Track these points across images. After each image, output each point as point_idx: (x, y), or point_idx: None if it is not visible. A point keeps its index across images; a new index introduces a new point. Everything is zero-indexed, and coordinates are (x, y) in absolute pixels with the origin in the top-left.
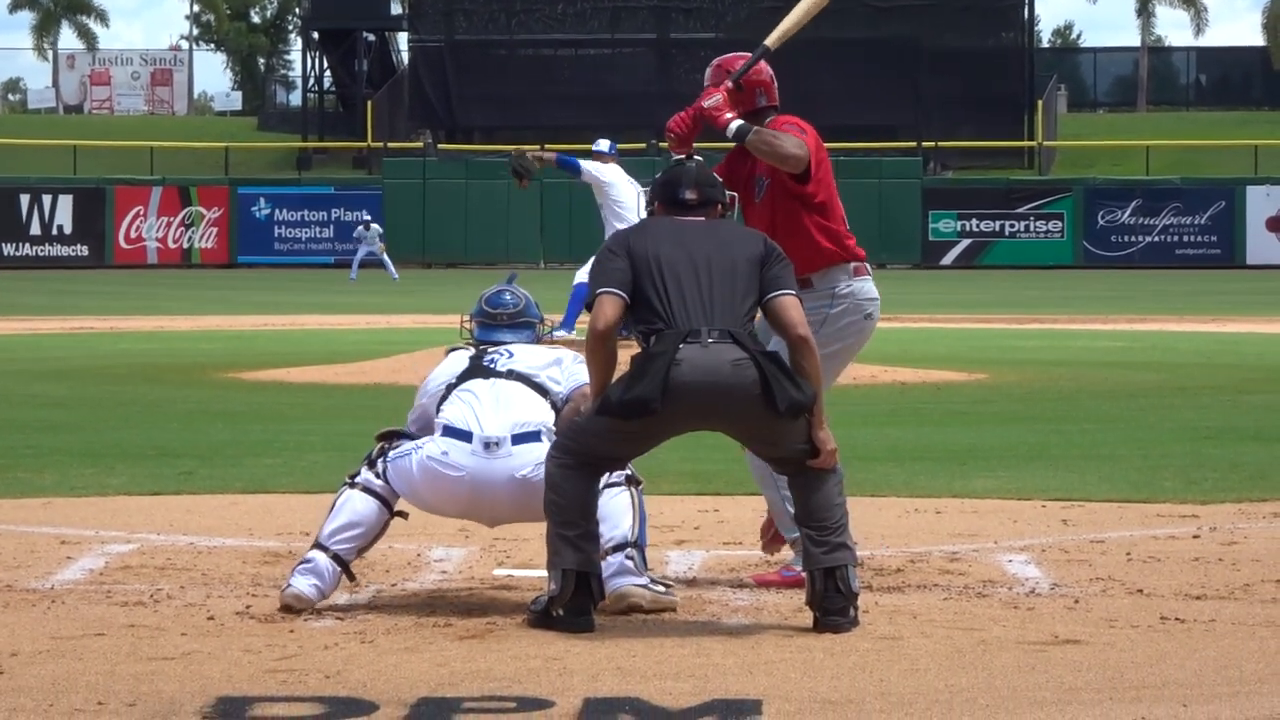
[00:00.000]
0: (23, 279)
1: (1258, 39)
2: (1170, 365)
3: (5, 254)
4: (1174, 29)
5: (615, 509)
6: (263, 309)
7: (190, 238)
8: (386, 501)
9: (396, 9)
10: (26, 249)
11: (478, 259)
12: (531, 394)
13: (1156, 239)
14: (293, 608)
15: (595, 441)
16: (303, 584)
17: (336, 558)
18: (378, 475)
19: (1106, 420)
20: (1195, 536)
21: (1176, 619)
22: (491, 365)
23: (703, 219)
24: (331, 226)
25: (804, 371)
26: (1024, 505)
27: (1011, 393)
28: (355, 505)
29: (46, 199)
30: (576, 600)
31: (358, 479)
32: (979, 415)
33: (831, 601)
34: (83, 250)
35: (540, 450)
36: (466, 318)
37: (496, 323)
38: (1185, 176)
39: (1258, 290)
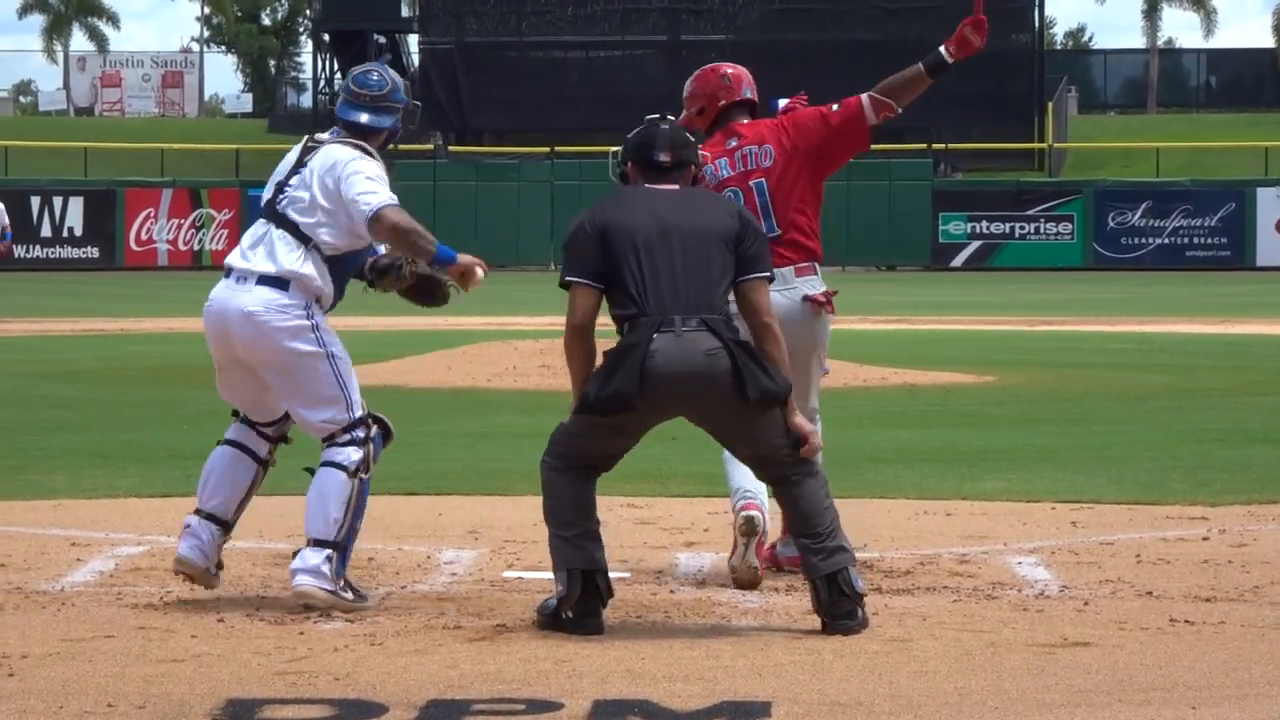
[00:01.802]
0: (33, 281)
1: (1268, 41)
2: (1180, 367)
3: (16, 256)
4: (1184, 31)
5: (331, 495)
6: None
7: (201, 240)
8: (238, 444)
9: (407, 11)
10: (37, 251)
11: (489, 261)
12: (290, 240)
13: (1166, 241)
14: (181, 572)
15: (582, 441)
16: (186, 547)
17: (211, 516)
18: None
19: (1116, 422)
20: (1205, 539)
21: (1186, 621)
22: (280, 200)
23: (676, 187)
24: None
25: (771, 358)
26: (1033, 507)
27: (1021, 395)
28: (211, 462)
29: (57, 201)
30: (585, 601)
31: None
32: (989, 417)
33: (838, 606)
34: (93, 252)
35: (277, 299)
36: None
37: (359, 102)
38: (1195, 178)
39: (1268, 292)
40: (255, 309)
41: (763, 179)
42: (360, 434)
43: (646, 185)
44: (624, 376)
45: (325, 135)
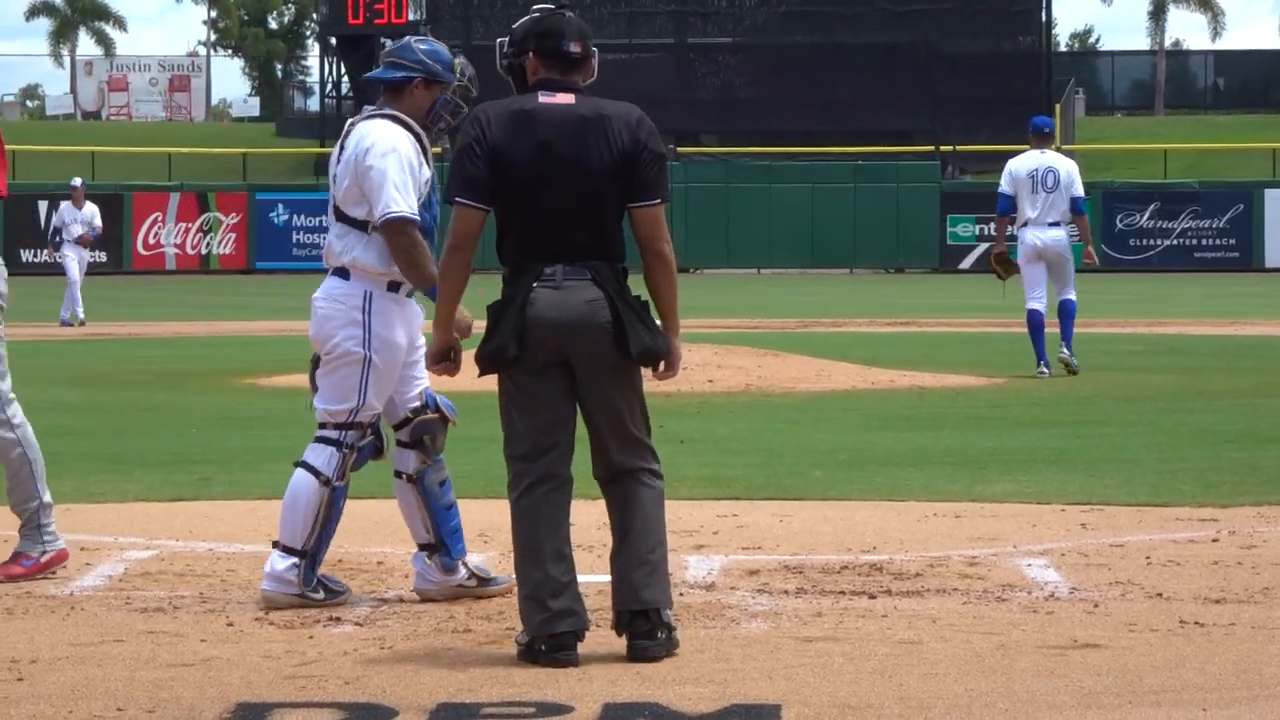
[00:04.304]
0: (40, 285)
1: (1276, 42)
2: (1189, 368)
3: (23, 260)
4: (1191, 32)
5: (301, 504)
6: (281, 314)
7: (208, 243)
8: (397, 471)
9: (414, 14)
10: (44, 255)
11: (494, 264)
12: (343, 229)
13: (1175, 242)
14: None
15: (509, 415)
16: (416, 583)
17: (427, 546)
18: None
19: (1125, 424)
20: (1215, 540)
21: (1196, 623)
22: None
23: (572, 100)
24: None
25: (659, 288)
26: (1043, 509)
27: (1030, 396)
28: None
29: (64, 205)
30: (559, 636)
31: None
32: (998, 419)
33: (638, 626)
34: (100, 256)
35: (335, 287)
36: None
37: (381, 63)
38: (1203, 180)
39: (1276, 293)
40: (317, 296)
41: None
42: (348, 437)
43: (540, 99)
44: (502, 332)
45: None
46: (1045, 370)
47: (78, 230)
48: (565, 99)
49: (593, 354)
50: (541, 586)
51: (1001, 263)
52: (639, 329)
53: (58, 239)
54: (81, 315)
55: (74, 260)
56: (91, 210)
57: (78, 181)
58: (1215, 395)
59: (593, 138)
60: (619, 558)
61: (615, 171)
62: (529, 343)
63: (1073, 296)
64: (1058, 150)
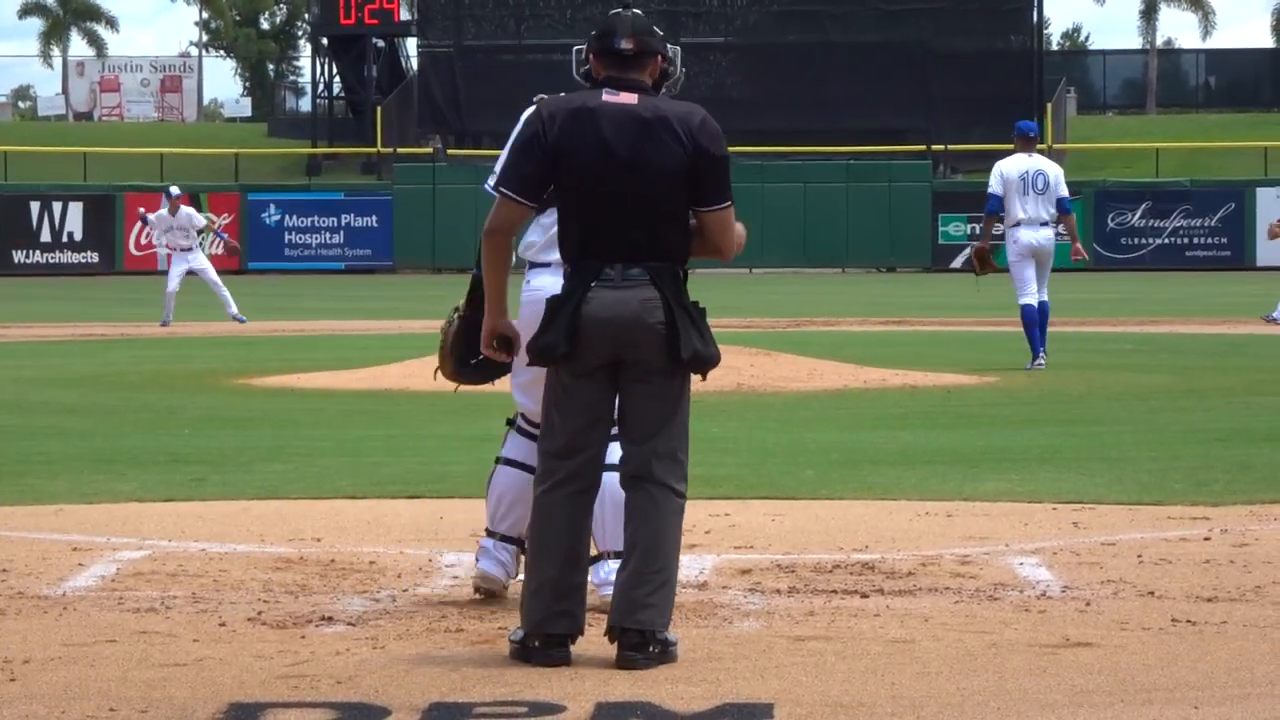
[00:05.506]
0: (34, 286)
1: (1267, 41)
2: (1181, 367)
3: (16, 261)
4: (1183, 31)
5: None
6: (273, 315)
7: (201, 243)
8: (519, 463)
9: (405, 14)
10: (37, 256)
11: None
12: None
13: (1166, 241)
14: (480, 589)
15: (549, 410)
16: (487, 564)
17: (505, 538)
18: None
19: (1117, 422)
20: (1206, 539)
21: (1188, 621)
22: None
23: (635, 100)
24: (342, 232)
25: (713, 246)
26: (1035, 508)
27: (1022, 396)
28: (497, 481)
29: (57, 206)
30: (553, 634)
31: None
32: (990, 418)
33: (628, 638)
34: (93, 257)
35: (536, 277)
36: None
37: None
38: (1195, 179)
39: (1268, 292)
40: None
41: None
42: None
43: (604, 97)
44: (555, 328)
45: None
46: (1041, 363)
47: (182, 240)
48: (628, 98)
49: (642, 355)
50: (548, 584)
51: (981, 259)
52: (692, 333)
53: (164, 247)
54: (234, 311)
55: (177, 272)
56: (186, 214)
57: (175, 190)
58: (1206, 394)
59: (651, 140)
60: (623, 570)
61: (672, 175)
62: (580, 341)
63: (1046, 298)
64: (1048, 150)
